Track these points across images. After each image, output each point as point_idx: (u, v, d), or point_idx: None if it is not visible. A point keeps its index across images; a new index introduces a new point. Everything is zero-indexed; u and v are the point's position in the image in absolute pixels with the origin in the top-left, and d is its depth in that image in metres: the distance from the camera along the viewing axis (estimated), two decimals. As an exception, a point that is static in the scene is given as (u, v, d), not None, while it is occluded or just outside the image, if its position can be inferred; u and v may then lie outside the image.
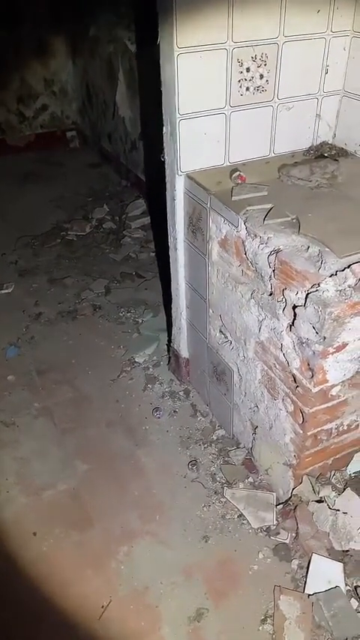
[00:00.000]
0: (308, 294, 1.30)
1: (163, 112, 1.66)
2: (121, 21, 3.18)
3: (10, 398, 2.21)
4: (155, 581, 1.58)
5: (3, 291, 2.82)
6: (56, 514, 1.77)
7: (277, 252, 1.39)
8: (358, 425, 1.64)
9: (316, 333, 1.31)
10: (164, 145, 1.73)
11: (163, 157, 1.76)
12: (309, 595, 1.50)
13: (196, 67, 1.53)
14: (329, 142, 1.86)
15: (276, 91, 1.69)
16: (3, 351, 2.44)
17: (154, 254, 3.14)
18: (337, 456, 1.68)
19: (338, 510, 1.61)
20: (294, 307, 1.37)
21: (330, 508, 1.62)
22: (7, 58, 4.17)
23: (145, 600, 1.54)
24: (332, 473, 1.70)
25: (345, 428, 1.60)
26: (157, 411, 2.12)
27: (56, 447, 2.00)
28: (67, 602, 1.54)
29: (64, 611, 1.52)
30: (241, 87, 1.64)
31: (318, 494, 1.65)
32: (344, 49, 1.71)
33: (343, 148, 1.83)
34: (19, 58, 4.22)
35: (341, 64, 1.74)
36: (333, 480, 1.69)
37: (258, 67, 1.62)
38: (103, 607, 1.51)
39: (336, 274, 1.28)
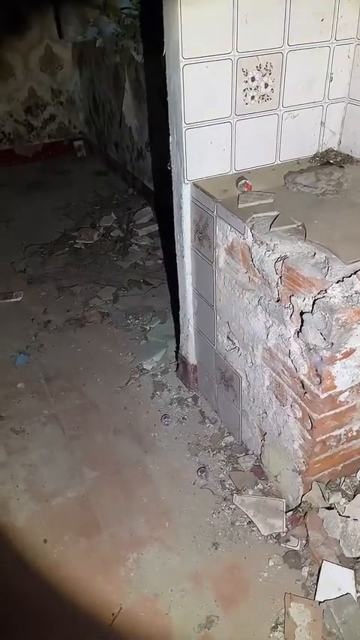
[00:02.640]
0: (315, 300, 1.31)
1: (170, 121, 1.68)
2: (127, 31, 3.22)
3: (19, 405, 2.23)
4: (165, 588, 1.58)
5: (12, 300, 2.85)
6: (65, 521, 1.77)
7: (284, 259, 1.40)
8: (366, 431, 1.63)
9: (324, 339, 1.32)
10: (170, 153, 1.75)
11: (169, 165, 1.78)
12: (320, 602, 1.49)
13: (201, 77, 1.55)
14: (335, 149, 1.87)
15: (281, 100, 1.71)
16: (12, 358, 2.46)
17: (161, 261, 3.16)
18: (346, 462, 1.68)
19: (348, 517, 1.60)
20: (301, 313, 1.38)
21: (340, 515, 1.61)
22: (15, 69, 4.23)
23: (155, 607, 1.54)
24: (342, 479, 1.69)
25: (354, 434, 1.60)
26: (165, 417, 2.13)
27: (65, 454, 2.01)
28: (78, 609, 1.54)
29: (75, 617, 1.52)
30: (246, 96, 1.65)
31: (328, 500, 1.64)
32: (348, 57, 1.73)
33: (348, 155, 1.84)
34: (27, 68, 4.28)
35: (345, 71, 1.75)
36: (343, 487, 1.68)
37: (263, 76, 1.64)
38: (113, 614, 1.51)
39: (342, 280, 1.28)
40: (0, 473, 1.94)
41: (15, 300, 2.85)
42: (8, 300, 2.85)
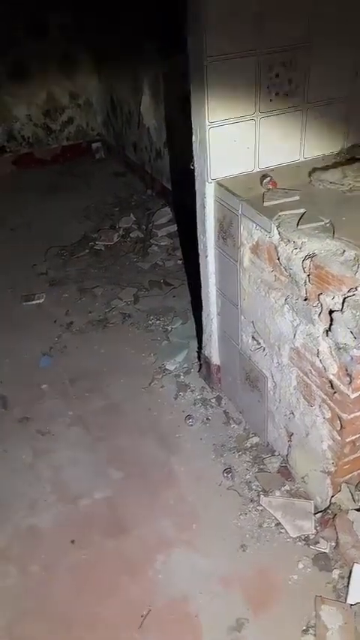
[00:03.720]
0: (345, 298, 1.28)
1: (192, 120, 1.67)
2: (145, 32, 3.22)
3: (44, 406, 2.24)
4: (193, 590, 1.57)
5: (34, 302, 2.87)
6: (93, 522, 1.78)
7: (312, 257, 1.38)
8: None
9: (354, 337, 1.29)
10: (194, 153, 1.74)
11: (192, 165, 1.77)
12: (351, 605, 1.46)
13: (225, 74, 1.54)
14: (360, 145, 1.84)
15: (305, 95, 1.69)
16: (36, 360, 2.47)
17: (181, 261, 3.15)
18: (376, 463, 1.65)
19: (379, 519, 1.57)
20: (330, 312, 1.36)
21: (370, 516, 1.59)
22: (34, 72, 4.27)
23: (185, 609, 1.53)
24: (371, 480, 1.66)
25: (384, 434, 1.57)
26: (189, 418, 2.12)
27: (90, 455, 2.01)
28: (107, 611, 1.54)
29: (104, 619, 1.52)
30: (270, 92, 1.64)
31: (358, 502, 1.62)
32: (374, 51, 1.70)
33: (374, 150, 1.81)
34: (46, 72, 4.31)
35: (371, 65, 1.72)
36: (372, 488, 1.65)
37: (287, 71, 1.62)
38: (142, 616, 1.51)
39: (374, 278, 1.26)
40: (27, 474, 1.95)
41: (37, 302, 2.87)
42: (31, 303, 2.87)
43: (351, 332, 1.29)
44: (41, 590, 1.60)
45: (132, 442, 2.06)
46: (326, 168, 1.67)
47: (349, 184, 1.58)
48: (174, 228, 3.44)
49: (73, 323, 2.71)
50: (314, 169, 1.69)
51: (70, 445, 2.06)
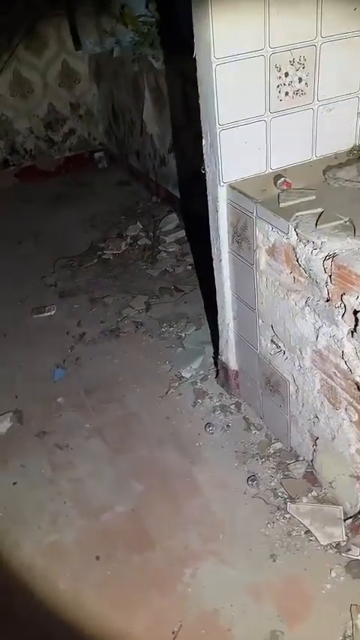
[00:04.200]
0: (371, 298, 1.25)
1: (202, 123, 1.65)
2: (144, 39, 3.21)
3: (61, 420, 2.21)
4: (224, 603, 1.53)
5: (45, 314, 2.85)
6: (116, 537, 1.74)
7: (333, 257, 1.34)
8: None
9: (382, 338, 1.26)
10: (204, 156, 1.71)
11: (203, 169, 1.74)
12: (390, 614, 1.42)
13: (234, 76, 1.52)
14: (372, 141, 1.81)
15: (315, 94, 1.66)
16: (50, 373, 2.45)
17: (190, 267, 3.12)
18: None
19: None
20: (355, 312, 1.32)
21: None
22: (35, 85, 4.28)
23: (217, 623, 1.49)
24: None
25: None
26: (209, 426, 2.08)
27: (110, 468, 1.98)
28: (137, 627, 1.50)
29: (135, 636, 1.48)
30: (280, 92, 1.61)
31: (389, 506, 1.57)
32: (383, 45, 1.67)
33: (387, 146, 1.78)
34: (45, 84, 4.32)
35: (381, 60, 1.69)
36: None
37: (296, 70, 1.60)
38: (174, 632, 1.47)
39: None
40: (47, 489, 1.92)
41: (48, 314, 2.85)
42: (42, 315, 2.85)
43: (378, 332, 1.26)
44: (69, 608, 1.57)
45: (152, 453, 2.02)
46: (340, 166, 1.65)
47: (366, 181, 1.55)
48: (182, 234, 3.42)
49: (85, 334, 2.68)
50: (328, 167, 1.66)
51: (90, 458, 2.02)
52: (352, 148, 1.80)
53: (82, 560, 1.68)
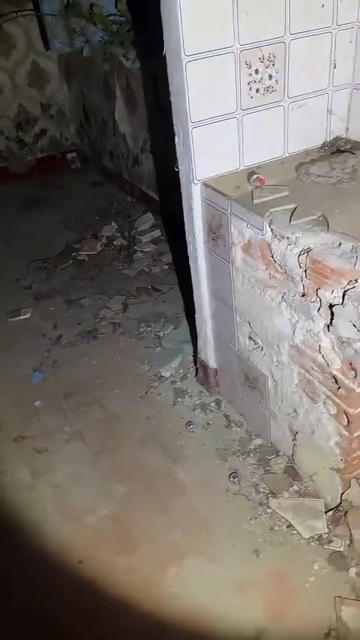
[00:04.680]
0: (346, 291, 1.26)
1: (174, 121, 1.64)
2: (114, 39, 3.19)
3: (39, 424, 2.18)
4: (210, 601, 1.53)
5: (21, 317, 2.81)
6: (100, 540, 1.72)
7: (308, 252, 1.35)
8: None
9: (357, 330, 1.27)
10: (177, 154, 1.71)
11: (176, 167, 1.74)
12: (373, 604, 1.44)
13: (205, 73, 1.52)
14: (343, 137, 1.83)
15: (286, 90, 1.67)
16: (27, 377, 2.41)
17: (167, 266, 3.11)
18: (384, 456, 1.63)
19: (392, 512, 1.55)
20: (330, 306, 1.33)
21: (383, 511, 1.56)
22: (3, 86, 4.22)
23: (203, 622, 1.48)
24: (381, 474, 1.64)
25: (391, 426, 1.55)
26: (190, 424, 2.08)
27: (92, 471, 1.96)
28: (123, 630, 1.49)
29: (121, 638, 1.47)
30: (250, 89, 1.62)
31: (369, 497, 1.59)
32: (351, 42, 1.69)
33: (357, 141, 1.80)
34: (15, 84, 4.26)
35: (349, 57, 1.71)
36: (382, 481, 1.63)
37: (266, 67, 1.60)
38: (158, 635, 1.46)
39: (373, 269, 1.24)
40: (27, 495, 1.89)
41: (24, 317, 2.81)
42: (17, 318, 2.81)
43: (354, 325, 1.27)
44: (50, 615, 1.54)
45: (133, 453, 2.01)
46: (312, 162, 1.66)
47: (338, 176, 1.57)
48: (157, 233, 3.41)
49: (62, 336, 2.65)
50: (301, 164, 1.67)
51: (70, 461, 2.00)
52: (324, 144, 1.82)
53: (65, 566, 1.65)
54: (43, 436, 2.12)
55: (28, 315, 2.82)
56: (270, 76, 1.63)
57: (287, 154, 1.79)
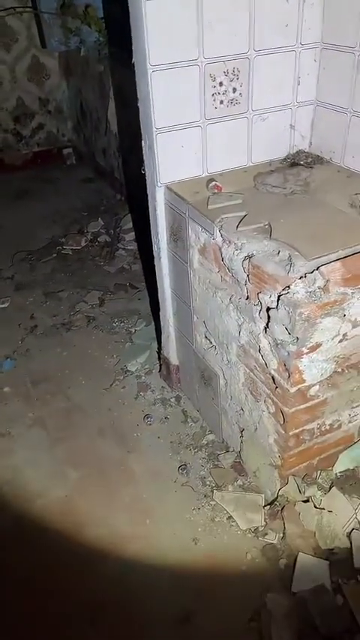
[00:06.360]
0: (280, 296, 1.34)
1: (142, 126, 1.72)
2: (109, 40, 3.27)
3: (5, 409, 2.26)
4: (145, 583, 1.61)
5: (-1, 306, 2.89)
6: (49, 521, 1.80)
7: (251, 258, 1.44)
8: (340, 424, 1.66)
9: (289, 334, 1.35)
10: (144, 157, 1.79)
11: (143, 169, 1.82)
12: (294, 593, 1.52)
13: (170, 83, 1.59)
14: (305, 150, 1.92)
15: (250, 104, 1.75)
16: (-1, 363, 2.50)
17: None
18: (322, 456, 1.71)
19: (323, 509, 1.63)
20: (268, 310, 1.41)
21: (316, 507, 1.64)
22: (3, 79, 4.30)
23: (137, 603, 1.56)
24: (319, 473, 1.72)
25: (327, 427, 1.63)
26: (148, 417, 2.16)
27: (49, 456, 2.04)
28: (58, 609, 1.57)
29: (58, 616, 1.55)
30: (215, 100, 1.69)
31: (304, 494, 1.67)
32: (315, 61, 1.77)
33: (318, 156, 1.88)
34: (15, 78, 4.34)
35: (312, 75, 1.79)
36: (319, 480, 1.71)
37: (230, 81, 1.68)
38: (93, 612, 1.54)
39: (305, 276, 1.32)
40: (-16, 475, 1.97)
41: (2, 306, 2.89)
42: (-5, 307, 2.89)
43: (286, 328, 1.35)
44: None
45: (91, 442, 2.09)
46: (270, 172, 1.74)
47: (291, 188, 1.65)
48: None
49: (37, 326, 2.73)
50: (259, 174, 1.75)
51: (30, 446, 2.08)
52: (287, 156, 1.90)
53: (14, 546, 1.74)
54: (8, 420, 2.20)
55: (6, 305, 2.90)
56: (234, 89, 1.70)
57: (251, 164, 1.87)
